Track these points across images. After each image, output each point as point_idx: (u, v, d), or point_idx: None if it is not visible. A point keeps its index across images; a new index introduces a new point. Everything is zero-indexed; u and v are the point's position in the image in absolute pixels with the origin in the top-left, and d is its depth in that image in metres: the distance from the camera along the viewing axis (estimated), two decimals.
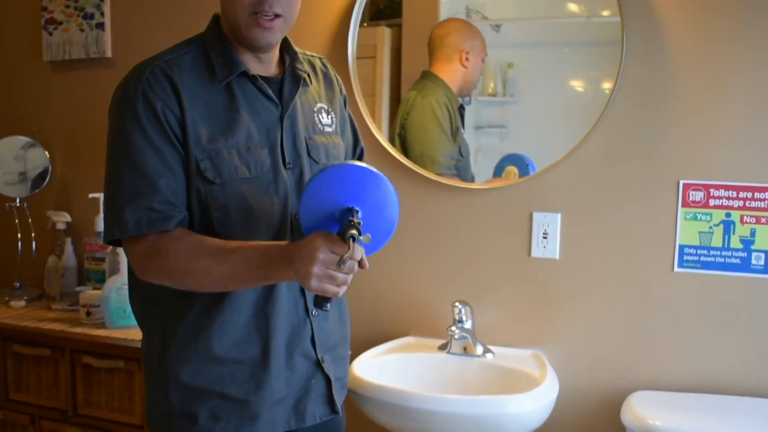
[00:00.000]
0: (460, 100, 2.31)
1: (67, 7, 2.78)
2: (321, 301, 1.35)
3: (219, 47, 1.51)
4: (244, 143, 1.48)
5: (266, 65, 1.56)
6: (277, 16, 1.46)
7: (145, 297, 1.56)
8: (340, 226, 1.33)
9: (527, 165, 2.23)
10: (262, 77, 1.54)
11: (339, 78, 1.75)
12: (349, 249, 1.27)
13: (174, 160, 1.44)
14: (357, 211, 1.35)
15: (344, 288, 1.32)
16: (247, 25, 1.46)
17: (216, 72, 1.49)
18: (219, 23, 1.55)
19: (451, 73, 2.32)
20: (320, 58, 1.72)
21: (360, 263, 1.32)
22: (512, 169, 2.26)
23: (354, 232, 1.28)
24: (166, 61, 1.47)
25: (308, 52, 1.69)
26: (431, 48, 2.33)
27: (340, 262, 1.28)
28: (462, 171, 2.33)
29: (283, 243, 1.41)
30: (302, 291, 1.56)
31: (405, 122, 2.34)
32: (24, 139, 2.85)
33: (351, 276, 1.33)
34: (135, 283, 1.57)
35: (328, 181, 1.36)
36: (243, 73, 1.51)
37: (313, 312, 1.57)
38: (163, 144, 1.43)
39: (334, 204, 1.36)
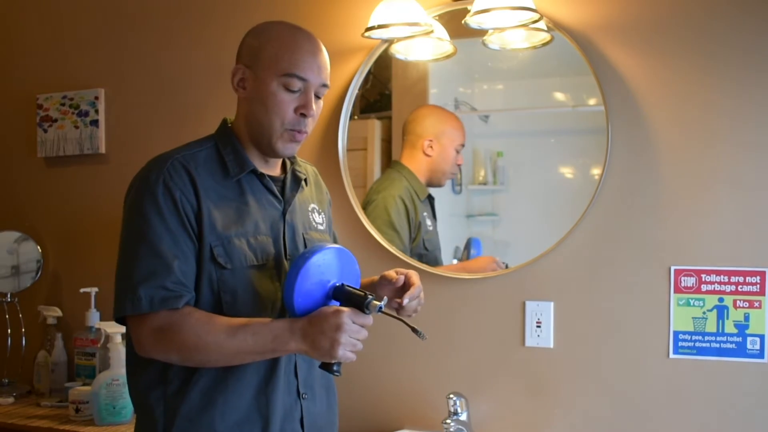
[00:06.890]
0: (428, 190, 2.30)
1: (62, 105, 2.83)
2: (331, 365, 1.49)
3: (231, 147, 1.66)
4: (253, 233, 1.62)
5: (272, 166, 1.72)
6: (304, 132, 1.64)
7: (148, 379, 1.60)
8: (341, 300, 1.52)
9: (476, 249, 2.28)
10: (268, 176, 1.68)
11: (324, 184, 1.92)
12: (370, 318, 1.48)
13: (187, 247, 1.55)
14: (350, 286, 1.53)
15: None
16: (282, 138, 1.62)
17: (228, 169, 1.64)
18: (227, 127, 1.70)
19: (416, 162, 2.32)
20: (310, 166, 1.88)
21: None
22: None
23: (378, 303, 1.48)
24: (183, 156, 1.61)
25: (302, 160, 1.84)
26: (402, 134, 2.34)
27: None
28: (431, 264, 2.31)
29: (287, 319, 1.51)
30: (295, 374, 1.65)
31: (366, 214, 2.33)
32: (17, 234, 2.86)
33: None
34: (138, 366, 1.61)
35: (320, 263, 1.52)
36: (252, 171, 1.65)
37: (304, 395, 1.66)
38: (179, 231, 1.54)
39: (326, 283, 1.54)
